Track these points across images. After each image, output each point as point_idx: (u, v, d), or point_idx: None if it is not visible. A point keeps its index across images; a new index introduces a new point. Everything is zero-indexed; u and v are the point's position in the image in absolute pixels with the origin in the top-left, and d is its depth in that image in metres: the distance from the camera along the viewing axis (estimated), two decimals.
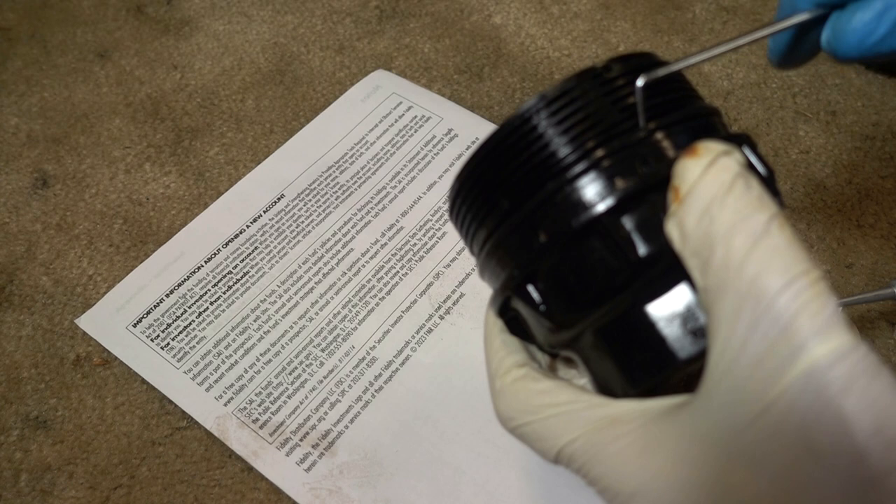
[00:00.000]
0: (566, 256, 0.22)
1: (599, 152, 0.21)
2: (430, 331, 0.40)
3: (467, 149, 0.47)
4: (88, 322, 0.41)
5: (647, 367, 0.22)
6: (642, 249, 0.21)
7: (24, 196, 0.46)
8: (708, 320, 0.20)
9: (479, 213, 0.23)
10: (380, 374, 0.39)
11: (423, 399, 0.38)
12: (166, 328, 0.40)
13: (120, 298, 0.41)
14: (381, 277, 0.42)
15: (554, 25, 0.54)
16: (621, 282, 0.21)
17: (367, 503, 0.35)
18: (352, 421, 0.37)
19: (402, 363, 0.39)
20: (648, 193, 0.21)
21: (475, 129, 0.48)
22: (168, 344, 0.40)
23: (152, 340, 0.40)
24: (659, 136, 0.21)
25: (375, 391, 0.38)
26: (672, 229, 0.20)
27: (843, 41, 0.22)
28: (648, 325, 0.22)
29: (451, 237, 0.43)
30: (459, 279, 0.42)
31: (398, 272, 0.42)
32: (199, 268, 0.42)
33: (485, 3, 0.56)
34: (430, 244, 0.43)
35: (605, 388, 0.23)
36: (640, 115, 0.21)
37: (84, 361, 0.40)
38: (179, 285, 0.42)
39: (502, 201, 0.22)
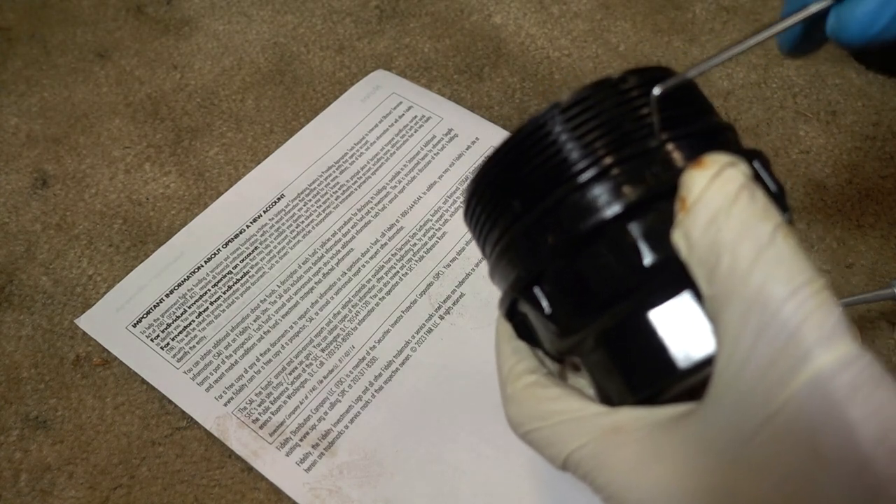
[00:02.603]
0: (573, 260, 0.22)
1: (610, 159, 0.21)
2: (430, 331, 0.40)
3: (467, 149, 0.47)
4: (88, 322, 0.41)
5: (648, 375, 0.22)
6: (648, 257, 0.21)
7: (24, 196, 0.46)
8: (714, 328, 0.20)
9: (493, 214, 0.23)
10: (380, 374, 0.39)
11: (423, 399, 0.38)
12: (166, 328, 0.40)
13: (120, 298, 0.41)
14: (381, 277, 0.42)
15: (554, 25, 0.54)
16: (626, 288, 0.21)
17: (366, 503, 0.35)
18: (352, 421, 0.37)
19: (402, 363, 0.39)
20: (656, 202, 0.21)
21: (475, 129, 0.48)
22: (168, 344, 0.40)
23: (152, 340, 0.40)
24: (670, 147, 0.21)
25: (375, 391, 0.38)
26: (678, 238, 0.20)
27: (847, 30, 0.22)
28: (650, 333, 0.22)
29: (451, 237, 0.43)
30: (459, 279, 0.42)
31: (398, 272, 0.42)
32: (199, 268, 0.42)
33: (485, 3, 0.56)
34: (430, 244, 0.43)
35: (605, 395, 0.23)
36: (655, 126, 0.21)
37: (84, 361, 0.40)
38: (179, 285, 0.42)
39: (514, 203, 0.23)
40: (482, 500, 0.35)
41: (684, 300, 0.21)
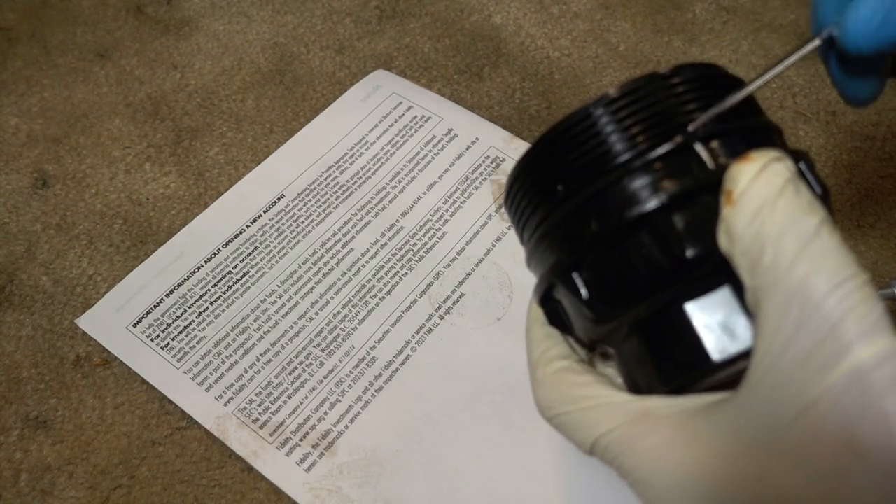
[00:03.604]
0: (615, 248, 0.22)
1: (657, 151, 0.22)
2: (430, 331, 0.40)
3: (467, 149, 0.47)
4: (88, 322, 0.41)
5: (681, 366, 0.22)
6: (691, 248, 0.21)
7: (24, 196, 0.46)
8: (755, 319, 0.20)
9: (535, 198, 0.24)
10: (380, 374, 0.39)
11: (423, 399, 0.38)
12: (166, 328, 0.40)
13: (120, 298, 0.41)
14: (381, 277, 0.42)
15: (554, 25, 0.54)
16: (666, 279, 0.22)
17: (366, 503, 0.35)
18: (352, 421, 0.37)
19: (402, 363, 0.39)
20: (701, 196, 0.21)
21: (475, 129, 0.48)
22: (168, 344, 0.40)
23: (152, 340, 0.40)
24: (717, 142, 0.22)
25: (375, 391, 0.38)
26: (723, 230, 0.20)
27: (852, 38, 0.22)
28: (686, 325, 0.22)
29: (451, 237, 0.43)
30: (459, 279, 0.42)
31: (398, 272, 0.42)
32: (199, 268, 0.42)
33: (485, 3, 0.56)
34: (430, 244, 0.43)
35: (635, 384, 0.24)
36: (704, 120, 0.22)
37: (84, 361, 0.40)
38: (179, 285, 0.42)
39: (558, 188, 0.23)
40: (482, 500, 0.35)
41: (722, 294, 0.22)
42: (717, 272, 0.21)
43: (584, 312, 0.23)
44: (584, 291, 0.23)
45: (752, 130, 0.23)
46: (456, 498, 0.35)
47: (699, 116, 0.22)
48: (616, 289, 0.22)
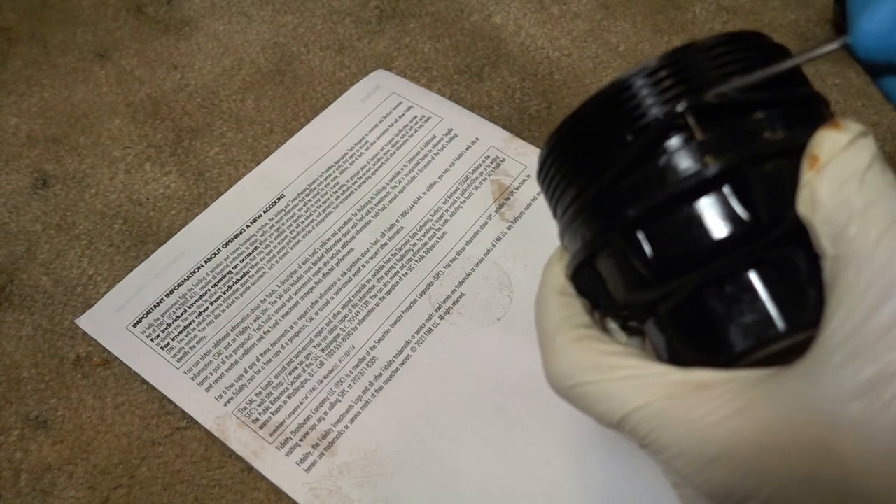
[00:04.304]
0: (686, 206, 0.22)
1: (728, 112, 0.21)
2: (430, 331, 0.40)
3: (467, 149, 0.47)
4: (88, 322, 0.41)
5: (745, 333, 0.22)
6: (765, 211, 0.21)
7: (24, 196, 0.46)
8: (830, 288, 0.20)
9: (592, 153, 0.23)
10: (380, 374, 0.39)
11: (423, 399, 0.38)
12: (166, 328, 0.40)
13: (120, 298, 0.41)
14: (381, 277, 0.42)
15: (554, 25, 0.54)
16: (736, 242, 0.21)
17: (366, 503, 0.35)
18: (352, 421, 0.37)
19: (402, 363, 0.39)
20: (775, 158, 0.21)
21: (475, 129, 0.48)
22: (168, 344, 0.40)
23: (152, 340, 0.40)
24: (779, 108, 0.22)
25: (375, 391, 0.38)
26: (805, 195, 0.20)
27: (865, 45, 0.22)
28: (752, 292, 0.22)
29: (451, 237, 0.43)
30: (459, 279, 0.42)
31: (398, 272, 0.42)
32: (199, 268, 0.42)
33: (485, 3, 0.56)
34: (430, 244, 0.43)
35: (676, 354, 0.23)
36: (757, 82, 0.22)
37: (84, 361, 0.40)
38: (179, 285, 0.42)
39: (627, 138, 0.22)
40: (482, 500, 0.35)
41: (790, 263, 0.22)
42: (788, 238, 0.21)
43: (641, 274, 0.22)
44: (648, 248, 0.22)
45: (808, 99, 0.23)
46: (456, 498, 0.35)
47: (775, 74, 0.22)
48: (683, 249, 0.22)
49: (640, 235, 0.22)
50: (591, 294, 0.25)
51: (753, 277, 0.22)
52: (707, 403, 0.21)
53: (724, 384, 0.21)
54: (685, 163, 0.21)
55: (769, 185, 0.21)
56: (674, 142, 0.22)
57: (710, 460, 0.21)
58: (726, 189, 0.21)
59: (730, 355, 0.22)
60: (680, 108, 0.21)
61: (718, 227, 0.21)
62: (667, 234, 0.22)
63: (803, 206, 0.20)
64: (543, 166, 0.25)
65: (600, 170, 0.23)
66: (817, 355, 0.20)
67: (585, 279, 0.24)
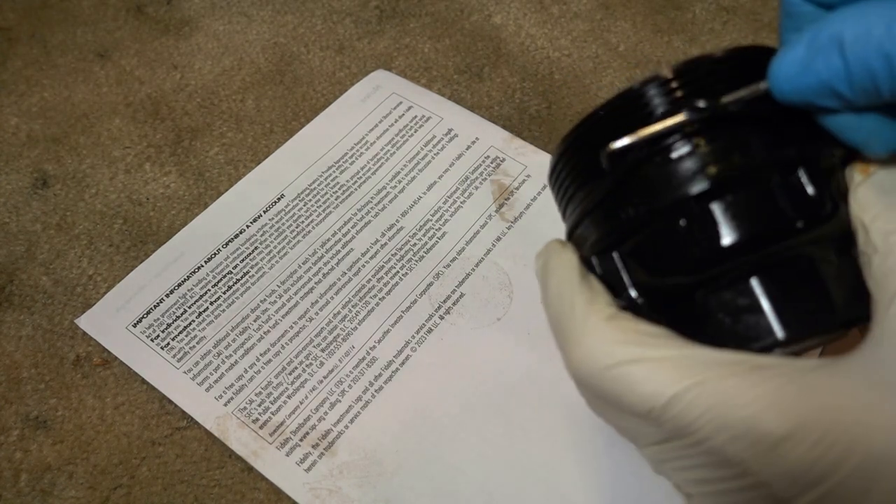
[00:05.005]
0: (760, 182, 0.22)
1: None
2: (430, 331, 0.40)
3: (467, 149, 0.47)
4: (88, 322, 0.41)
5: (802, 318, 0.22)
6: (826, 202, 0.22)
7: (24, 196, 0.46)
8: (883, 282, 0.21)
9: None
10: (380, 374, 0.39)
11: (423, 399, 0.38)
12: (166, 328, 0.40)
13: (120, 298, 0.41)
14: (381, 277, 0.42)
15: (554, 25, 0.54)
16: (798, 228, 0.22)
17: (366, 503, 0.35)
18: (352, 421, 0.37)
19: (402, 363, 0.39)
20: (835, 155, 0.23)
21: (475, 129, 0.48)
22: (168, 344, 0.40)
23: (152, 340, 0.40)
24: None
25: (375, 391, 0.38)
26: (858, 195, 0.22)
27: (777, 82, 0.21)
28: (817, 280, 0.22)
29: (451, 237, 0.43)
30: (459, 279, 0.42)
31: (398, 272, 0.42)
32: (199, 268, 0.42)
33: (485, 3, 0.56)
34: (430, 244, 0.43)
35: (717, 339, 0.23)
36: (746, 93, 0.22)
37: (84, 361, 0.40)
38: (179, 285, 0.42)
39: (700, 104, 0.22)
40: (482, 500, 0.35)
41: (849, 258, 0.23)
42: (846, 234, 0.22)
43: (692, 251, 0.22)
44: (719, 224, 0.22)
45: None
46: (456, 498, 0.35)
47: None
48: (751, 226, 0.22)
49: (715, 206, 0.22)
50: (612, 278, 0.24)
51: (819, 266, 0.23)
52: (767, 383, 0.20)
53: (781, 366, 0.20)
54: (760, 142, 0.22)
55: (823, 180, 0.22)
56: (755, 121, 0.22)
57: (779, 439, 0.20)
58: (806, 170, 0.22)
59: (773, 341, 0.22)
60: (702, 104, 0.22)
61: (785, 210, 0.22)
62: (741, 206, 0.22)
63: (856, 206, 0.22)
64: (586, 125, 0.25)
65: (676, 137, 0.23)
66: (880, 339, 0.21)
67: (608, 263, 0.24)
